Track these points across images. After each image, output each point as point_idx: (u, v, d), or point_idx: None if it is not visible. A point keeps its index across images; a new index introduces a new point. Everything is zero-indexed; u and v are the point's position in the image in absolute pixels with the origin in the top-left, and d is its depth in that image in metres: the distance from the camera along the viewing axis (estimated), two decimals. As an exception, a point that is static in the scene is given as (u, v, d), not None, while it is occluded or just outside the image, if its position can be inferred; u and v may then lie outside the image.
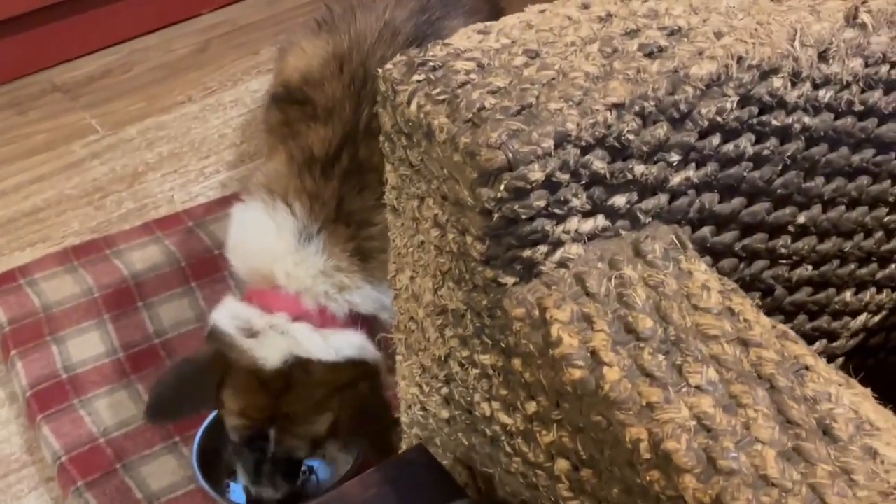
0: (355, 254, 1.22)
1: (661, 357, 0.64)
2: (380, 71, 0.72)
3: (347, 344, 1.22)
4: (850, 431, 0.60)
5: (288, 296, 1.23)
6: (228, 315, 1.24)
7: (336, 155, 1.21)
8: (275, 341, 1.21)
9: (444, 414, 0.85)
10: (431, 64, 0.70)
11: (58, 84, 2.15)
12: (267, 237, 1.23)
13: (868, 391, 0.63)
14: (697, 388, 0.62)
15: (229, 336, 1.22)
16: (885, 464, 0.58)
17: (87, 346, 1.53)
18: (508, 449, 0.77)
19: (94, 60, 2.21)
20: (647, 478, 0.62)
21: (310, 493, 1.34)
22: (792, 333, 0.66)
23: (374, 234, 1.21)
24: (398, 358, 0.91)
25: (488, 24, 0.75)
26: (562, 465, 0.71)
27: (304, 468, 1.36)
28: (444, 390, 0.84)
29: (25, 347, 1.52)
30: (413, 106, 0.69)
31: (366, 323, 1.26)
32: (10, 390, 1.51)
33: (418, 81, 0.70)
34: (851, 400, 0.62)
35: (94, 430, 1.40)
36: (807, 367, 0.64)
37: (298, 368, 1.21)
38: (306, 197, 1.21)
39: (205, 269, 1.64)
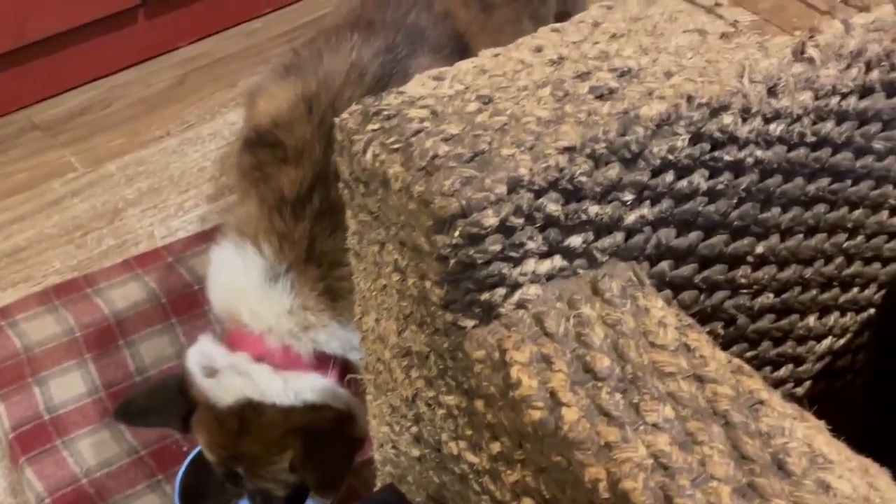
0: (325, 293, 1.22)
1: (618, 396, 0.65)
2: (336, 121, 0.73)
3: (309, 387, 1.22)
4: (804, 465, 0.61)
5: (251, 335, 1.24)
6: (197, 352, 1.26)
7: (307, 196, 1.22)
8: (230, 381, 1.22)
9: (415, 452, 0.86)
10: (386, 113, 0.72)
11: (37, 122, 2.16)
12: (234, 277, 1.24)
13: (822, 423, 0.64)
14: (654, 425, 0.63)
15: (192, 374, 1.24)
16: (838, 497, 0.59)
17: (69, 387, 1.53)
18: (477, 487, 0.78)
19: (73, 97, 2.23)
20: (607, 517, 0.63)
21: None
22: (747, 368, 0.67)
23: (346, 274, 1.21)
24: (368, 398, 0.92)
25: (443, 70, 0.76)
26: (527, 503, 0.72)
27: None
28: (414, 429, 0.85)
29: (7, 389, 1.52)
30: (368, 155, 0.70)
31: (336, 365, 1.26)
32: (-7, 433, 1.52)
33: (373, 130, 0.71)
34: (805, 433, 0.63)
35: (76, 471, 1.41)
36: (761, 402, 0.65)
37: (251, 410, 1.22)
38: (276, 237, 1.22)
39: (185, 304, 1.65)
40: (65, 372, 1.56)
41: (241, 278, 1.23)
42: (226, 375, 1.22)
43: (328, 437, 1.23)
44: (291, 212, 1.22)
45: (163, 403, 1.28)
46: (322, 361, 1.25)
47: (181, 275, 1.72)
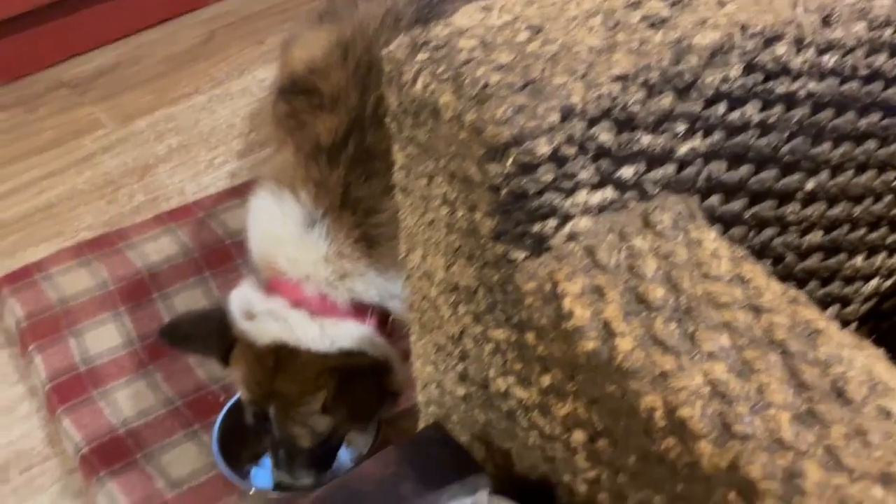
0: (361, 240, 1.22)
1: (673, 325, 0.64)
2: (384, 52, 0.72)
3: (346, 335, 1.23)
4: (864, 393, 0.60)
5: (289, 282, 1.24)
6: (238, 296, 1.26)
7: (342, 142, 1.22)
8: (267, 325, 1.23)
9: (460, 391, 0.86)
10: (435, 43, 0.71)
11: (65, 80, 2.16)
12: (272, 225, 1.24)
13: (881, 352, 0.64)
14: (710, 354, 0.63)
15: (232, 315, 1.25)
16: (900, 423, 0.58)
17: (105, 339, 1.54)
18: (524, 423, 0.78)
19: (100, 55, 2.22)
20: (663, 446, 0.62)
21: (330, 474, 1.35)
22: (803, 298, 0.66)
23: (382, 220, 1.22)
24: (412, 338, 0.92)
25: (489, 1, 0.75)
26: (578, 436, 0.71)
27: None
28: (459, 367, 0.84)
29: (43, 341, 1.53)
30: (418, 85, 0.70)
31: (374, 314, 1.26)
32: (30, 384, 1.53)
33: (422, 61, 0.70)
34: (864, 361, 0.62)
35: (113, 421, 1.42)
36: (818, 331, 0.64)
37: (286, 352, 1.22)
38: (312, 185, 1.22)
39: (217, 258, 1.65)
40: (100, 324, 1.56)
41: (278, 226, 1.23)
42: (263, 319, 1.22)
43: (362, 376, 1.24)
44: (327, 159, 1.22)
45: (206, 333, 1.29)
46: (359, 310, 1.25)
47: (213, 230, 1.72)
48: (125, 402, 1.45)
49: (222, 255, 1.66)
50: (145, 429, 1.41)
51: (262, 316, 1.23)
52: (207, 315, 1.31)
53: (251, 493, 1.28)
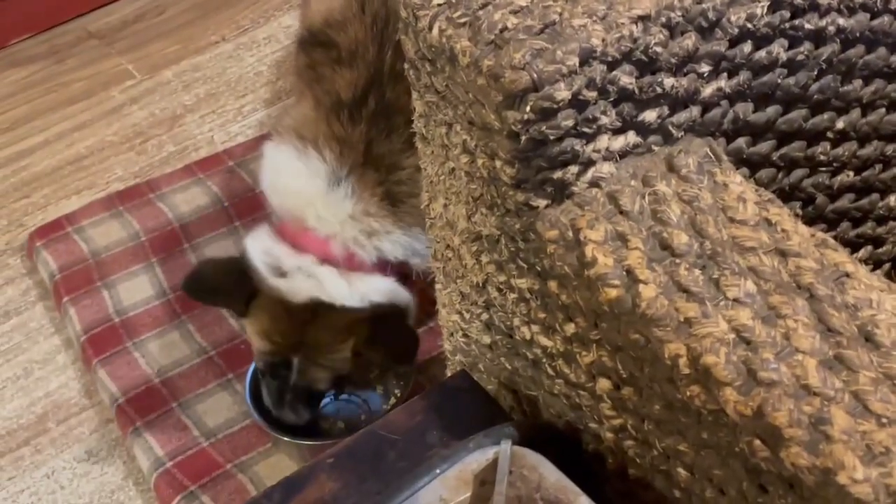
0: (385, 198, 1.22)
1: (697, 272, 0.63)
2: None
3: (374, 290, 1.23)
4: (893, 337, 0.59)
5: (317, 238, 1.24)
6: (260, 250, 1.26)
7: (362, 98, 1.21)
8: (301, 283, 1.23)
9: (486, 339, 0.86)
10: (451, -13, 0.69)
11: (92, 31, 2.15)
12: (299, 181, 1.24)
13: (911, 296, 0.62)
14: (735, 301, 0.62)
15: (259, 271, 1.25)
16: (929, 368, 0.57)
17: (137, 290, 1.55)
18: (550, 371, 0.78)
19: (127, 5, 2.21)
20: (688, 393, 0.61)
21: (362, 423, 1.36)
22: (831, 241, 0.65)
23: (404, 178, 1.21)
24: (437, 286, 0.91)
25: (508, -58, 0.73)
26: (603, 384, 0.71)
27: (358, 399, 1.38)
28: (484, 316, 0.84)
29: (77, 294, 1.54)
30: (435, 31, 0.68)
31: (395, 269, 1.26)
32: (66, 336, 1.54)
33: (439, 5, 0.69)
34: (894, 305, 0.61)
35: (148, 371, 1.43)
36: (847, 275, 0.63)
37: (324, 308, 1.23)
38: (335, 142, 1.21)
39: (247, 208, 1.65)
40: (132, 276, 1.57)
41: (305, 183, 1.23)
42: (295, 277, 1.23)
43: (394, 321, 1.25)
44: (348, 115, 1.21)
45: (229, 286, 1.29)
46: (384, 265, 1.26)
47: (243, 179, 1.72)
48: (159, 352, 1.46)
49: (252, 204, 1.65)
50: (179, 379, 1.42)
51: (293, 273, 1.23)
52: (228, 267, 1.30)
53: (283, 440, 1.29)
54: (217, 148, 1.82)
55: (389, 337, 1.25)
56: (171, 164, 1.80)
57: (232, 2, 2.18)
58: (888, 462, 0.53)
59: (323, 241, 1.24)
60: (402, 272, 1.29)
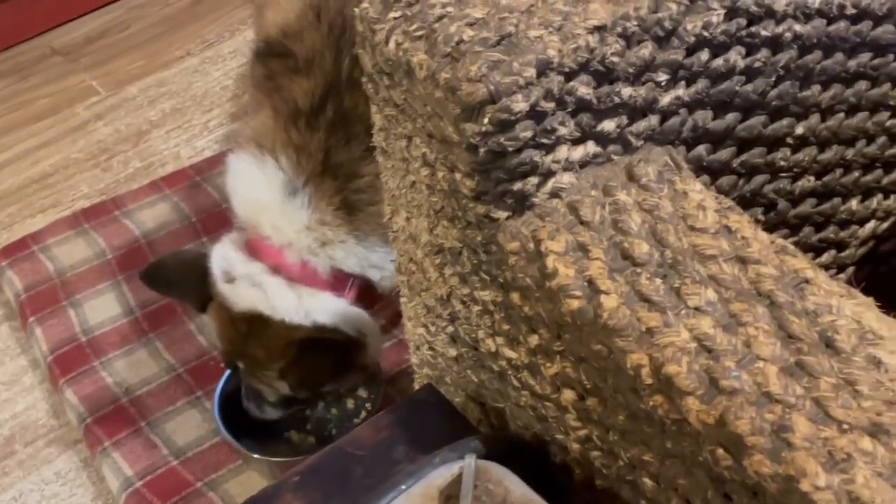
0: (342, 207, 1.21)
1: (658, 281, 0.63)
2: (356, 10, 0.71)
3: (321, 308, 1.22)
4: (853, 342, 0.59)
5: (272, 247, 1.23)
6: (220, 254, 1.26)
7: (320, 106, 1.20)
8: (245, 291, 1.22)
9: (452, 352, 0.85)
10: (407, 0, 0.69)
11: (57, 47, 2.14)
12: (256, 190, 1.24)
13: (871, 300, 0.62)
14: (696, 309, 0.62)
15: (213, 275, 1.25)
16: (890, 372, 0.57)
17: (104, 308, 1.54)
18: (516, 383, 0.77)
19: (91, 21, 2.20)
20: (651, 403, 0.61)
21: (333, 437, 1.35)
22: (791, 247, 0.65)
23: (363, 185, 1.21)
24: (402, 300, 0.91)
25: (464, -47, 0.73)
26: (567, 395, 0.71)
27: (329, 412, 1.38)
28: (450, 329, 0.83)
29: (43, 313, 1.53)
30: (391, 44, 0.68)
31: (354, 285, 1.25)
32: (32, 357, 1.53)
33: (395, 18, 0.68)
34: (853, 310, 0.61)
35: (116, 391, 1.42)
36: (807, 281, 0.63)
37: (259, 321, 1.22)
38: (293, 150, 1.21)
39: (214, 223, 1.64)
40: (99, 294, 1.56)
41: (262, 191, 1.22)
42: (241, 284, 1.23)
43: (322, 350, 1.23)
44: (306, 123, 1.20)
45: (187, 281, 1.29)
46: (339, 280, 1.24)
47: (209, 194, 1.71)
48: (127, 371, 1.45)
49: (219, 219, 1.64)
50: (148, 397, 1.41)
51: (240, 280, 1.23)
52: (190, 262, 1.30)
53: (254, 458, 1.28)
54: (183, 163, 1.81)
55: (307, 365, 1.24)
56: (137, 180, 1.79)
57: (197, 16, 2.18)
58: (850, 468, 0.53)
59: (277, 250, 1.23)
60: (365, 295, 1.27)
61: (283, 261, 1.22)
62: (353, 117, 1.19)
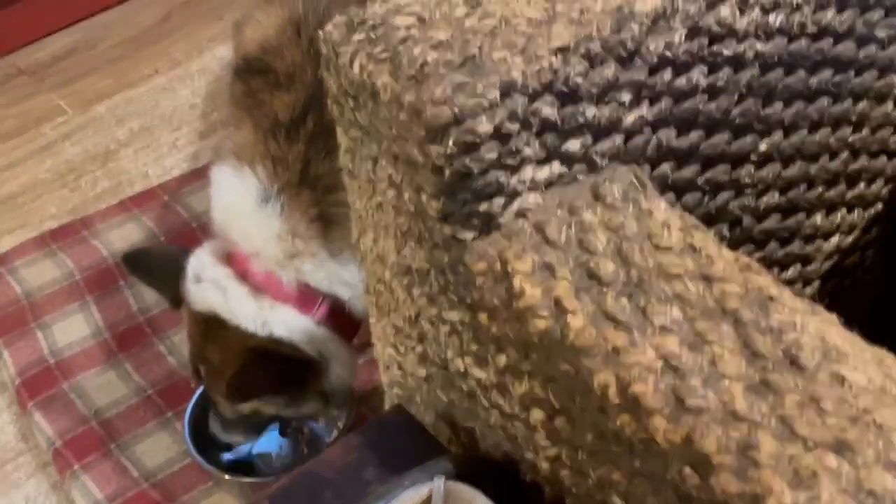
0: (317, 220, 1.20)
1: (624, 300, 0.64)
2: (319, 33, 0.71)
3: (281, 321, 1.21)
4: (817, 359, 0.59)
5: (240, 254, 1.23)
6: (196, 257, 1.27)
7: (301, 118, 1.20)
8: (206, 293, 1.22)
9: (421, 372, 0.85)
10: (371, 22, 0.69)
11: (22, 67, 2.13)
12: (230, 197, 1.23)
13: (834, 317, 0.63)
14: (662, 328, 0.62)
15: (184, 276, 1.26)
16: (853, 389, 0.58)
17: (73, 330, 1.53)
18: (485, 402, 0.77)
19: (57, 40, 2.19)
20: (618, 422, 0.61)
21: (305, 456, 1.34)
22: (755, 265, 0.66)
23: (342, 199, 1.18)
24: (371, 320, 0.91)
25: (428, -25, 0.73)
26: (536, 415, 0.71)
27: (301, 432, 1.37)
28: (419, 349, 0.83)
29: (11, 335, 1.52)
30: (356, 67, 0.68)
31: (324, 304, 1.24)
32: (0, 380, 1.51)
33: (359, 41, 0.68)
34: (817, 327, 0.61)
35: (85, 413, 1.41)
36: (771, 298, 0.63)
37: (216, 323, 1.22)
38: (270, 161, 1.20)
39: (184, 241, 1.62)
40: (67, 315, 1.55)
41: (235, 199, 1.22)
42: (206, 286, 1.22)
43: (269, 365, 1.22)
44: (286, 135, 1.20)
45: (165, 274, 1.29)
46: (306, 296, 1.23)
47: (178, 213, 1.71)
48: (96, 393, 1.44)
49: (188, 238, 1.64)
50: (117, 419, 1.40)
51: (206, 282, 1.23)
52: (172, 256, 1.30)
53: (225, 479, 1.27)
54: (152, 182, 1.80)
55: (249, 377, 1.22)
56: (106, 200, 1.78)
57: (165, 35, 2.17)
58: (815, 486, 0.53)
59: (244, 258, 1.23)
60: (338, 319, 1.26)
61: (249, 269, 1.22)
62: (334, 130, 1.18)
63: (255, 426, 1.33)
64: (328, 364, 1.25)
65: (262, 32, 1.30)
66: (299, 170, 1.19)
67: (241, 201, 1.21)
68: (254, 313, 1.20)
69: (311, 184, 1.19)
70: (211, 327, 1.22)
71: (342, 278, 1.22)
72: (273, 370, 1.22)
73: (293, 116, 1.22)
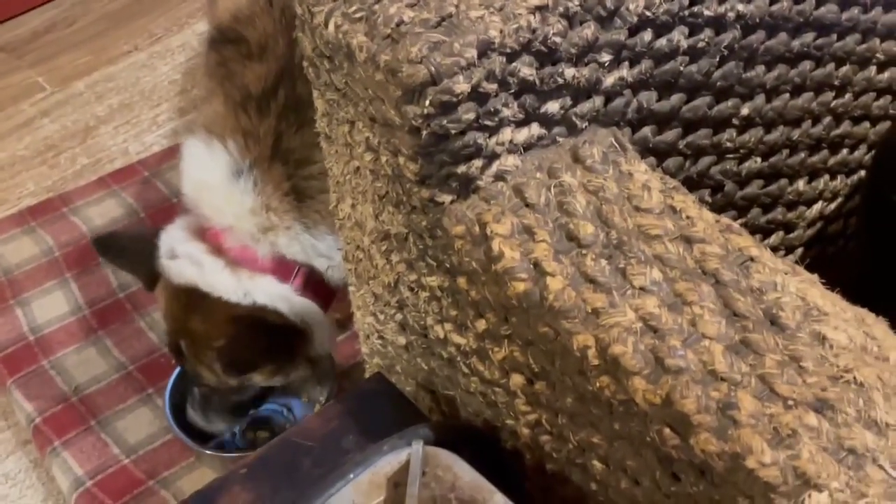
0: (291, 193, 1.19)
1: (603, 262, 0.63)
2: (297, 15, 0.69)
3: (262, 290, 1.20)
4: (798, 319, 0.59)
5: (212, 229, 1.22)
6: (167, 235, 1.25)
7: (272, 91, 1.19)
8: (183, 268, 1.21)
9: (401, 340, 0.84)
10: (346, -19, 0.68)
11: (1, 44, 2.10)
12: (201, 173, 1.22)
13: (815, 277, 0.62)
14: (642, 289, 0.61)
15: (158, 252, 1.24)
16: (834, 348, 0.57)
17: (52, 306, 1.51)
18: (465, 369, 0.77)
19: (35, 16, 2.17)
20: (598, 384, 0.61)
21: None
22: (736, 226, 0.65)
23: (315, 172, 1.18)
24: (350, 289, 0.90)
25: (404, -65, 0.72)
26: (516, 379, 0.70)
27: (283, 407, 1.36)
28: (398, 316, 0.82)
29: (-10, 313, 1.50)
30: (331, 27, 0.67)
31: (300, 273, 1.23)
32: (-21, 358, 1.50)
33: (334, 1, 0.67)
34: (798, 287, 0.61)
35: (65, 389, 1.39)
36: (752, 259, 0.62)
37: (198, 295, 1.20)
38: (240, 135, 1.19)
39: (164, 217, 1.59)
40: (46, 292, 1.53)
41: (207, 173, 1.20)
42: (181, 261, 1.21)
43: (259, 331, 1.21)
44: (256, 108, 1.19)
45: (138, 255, 1.27)
46: (283, 266, 1.22)
47: (159, 189, 1.69)
48: (76, 369, 1.42)
49: (169, 213, 1.59)
50: (98, 396, 1.39)
51: (181, 258, 1.21)
52: (144, 237, 1.28)
53: (206, 454, 1.26)
54: (132, 159, 1.79)
55: (242, 346, 1.21)
56: (85, 176, 1.76)
57: (144, 10, 2.15)
58: (795, 444, 0.53)
59: (217, 232, 1.22)
60: (315, 287, 1.25)
61: (223, 244, 1.20)
62: (306, 103, 1.16)
63: (237, 409, 1.32)
64: (311, 331, 1.24)
65: (235, 2, 1.28)
66: (270, 144, 1.18)
67: (212, 176, 1.20)
68: (234, 285, 1.19)
69: (283, 158, 1.18)
70: (193, 298, 1.21)
71: (318, 250, 1.21)
72: (264, 337, 1.21)
73: (265, 88, 1.20)
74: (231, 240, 1.20)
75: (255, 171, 1.18)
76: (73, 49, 2.07)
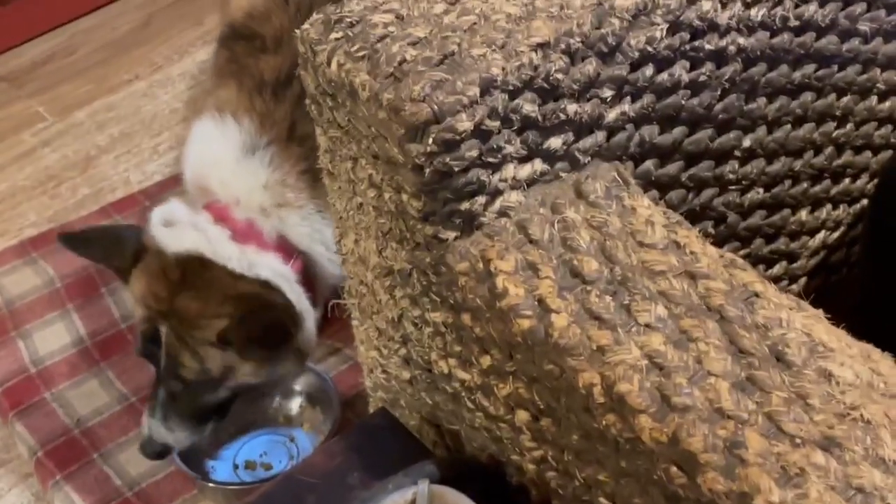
0: (308, 172, 1.17)
1: (608, 298, 0.63)
2: (296, 33, 0.70)
3: (266, 265, 1.17)
4: (804, 355, 0.59)
5: (217, 203, 1.20)
6: (162, 209, 1.23)
7: (287, 80, 1.19)
8: (185, 233, 1.18)
9: (405, 375, 0.84)
10: (349, 20, 0.68)
11: (2, 74, 2.11)
12: (210, 148, 1.21)
13: (820, 312, 0.62)
14: (647, 326, 0.61)
15: (150, 224, 1.21)
16: (840, 385, 0.57)
17: (54, 338, 1.50)
18: (470, 404, 0.76)
19: (36, 46, 2.17)
20: (604, 422, 0.61)
21: (289, 463, 1.33)
22: (740, 261, 0.65)
23: None
24: (354, 323, 0.90)
25: (406, -28, 0.73)
26: (521, 416, 0.70)
27: (285, 437, 1.36)
28: (402, 351, 0.82)
29: (-9, 344, 1.50)
30: (333, 65, 0.67)
31: (298, 260, 1.21)
32: (-19, 390, 1.49)
33: (336, 39, 0.68)
34: (803, 323, 0.61)
35: (67, 422, 1.39)
36: (756, 294, 0.62)
37: (198, 264, 1.17)
38: (256, 115, 1.18)
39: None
40: (48, 324, 1.53)
41: (216, 149, 1.19)
42: (182, 227, 1.18)
43: (270, 312, 1.17)
44: (272, 93, 1.19)
45: (112, 242, 1.24)
46: (284, 249, 1.20)
47: (160, 218, 1.69)
48: (78, 401, 1.42)
49: (171, 244, 1.62)
50: (100, 428, 1.38)
51: (181, 224, 1.18)
52: (117, 230, 1.26)
53: (209, 487, 1.26)
54: (133, 188, 1.78)
55: (255, 328, 1.15)
56: (86, 206, 1.76)
57: (144, 40, 2.15)
58: (803, 483, 0.52)
59: (223, 206, 1.20)
60: (305, 277, 1.22)
61: (229, 216, 1.18)
62: None
63: (201, 416, 1.26)
64: (302, 317, 1.22)
65: (249, 0, 1.29)
66: (287, 127, 1.17)
67: (223, 151, 1.18)
68: (238, 256, 1.16)
69: (299, 141, 1.17)
70: (191, 270, 1.17)
71: (323, 235, 1.20)
72: (275, 321, 1.17)
73: (279, 78, 1.21)
74: (237, 213, 1.18)
75: (272, 148, 1.17)
76: (74, 78, 2.07)
